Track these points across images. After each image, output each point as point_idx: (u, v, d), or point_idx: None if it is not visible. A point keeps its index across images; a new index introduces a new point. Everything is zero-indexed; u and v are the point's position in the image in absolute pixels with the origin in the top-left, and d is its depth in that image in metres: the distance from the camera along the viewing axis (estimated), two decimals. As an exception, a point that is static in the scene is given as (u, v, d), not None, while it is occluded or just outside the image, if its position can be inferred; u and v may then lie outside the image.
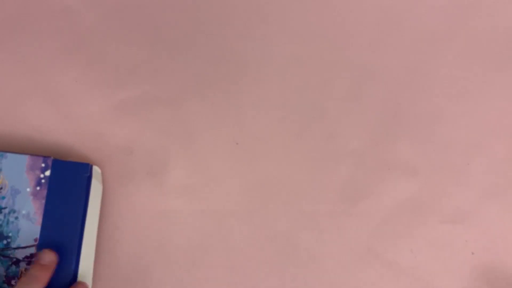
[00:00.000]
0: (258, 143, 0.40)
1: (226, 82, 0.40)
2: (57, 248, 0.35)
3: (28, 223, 0.35)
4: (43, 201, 0.35)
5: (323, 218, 0.39)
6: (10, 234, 0.35)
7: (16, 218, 0.35)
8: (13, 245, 0.35)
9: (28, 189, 0.35)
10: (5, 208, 0.35)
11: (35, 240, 0.35)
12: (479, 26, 0.41)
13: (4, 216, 0.35)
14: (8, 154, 0.36)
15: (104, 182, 0.39)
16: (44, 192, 0.35)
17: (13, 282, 0.35)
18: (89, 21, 0.41)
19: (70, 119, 0.39)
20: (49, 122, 0.39)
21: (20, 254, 0.35)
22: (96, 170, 0.37)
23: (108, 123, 0.39)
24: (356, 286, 0.38)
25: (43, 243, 0.35)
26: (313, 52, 0.41)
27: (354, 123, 0.40)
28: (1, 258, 0.35)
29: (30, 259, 0.35)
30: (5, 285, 0.35)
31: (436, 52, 0.41)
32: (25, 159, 0.36)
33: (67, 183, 0.36)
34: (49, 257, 0.33)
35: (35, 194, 0.35)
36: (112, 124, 0.39)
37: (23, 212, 0.35)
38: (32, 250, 0.35)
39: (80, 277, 0.36)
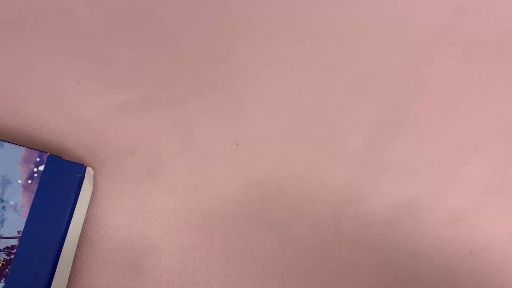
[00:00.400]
0: (258, 143, 0.41)
1: (226, 82, 0.41)
2: (38, 244, 0.35)
3: (14, 215, 0.35)
4: (33, 195, 0.35)
5: (323, 218, 0.39)
6: None
7: (3, 207, 0.35)
8: None
9: (19, 181, 0.35)
10: None
11: (19, 232, 0.35)
12: (478, 28, 0.41)
13: None
14: (5, 143, 0.36)
15: (105, 182, 0.39)
16: (35, 186, 0.35)
17: None
18: (91, 23, 0.41)
19: (71, 119, 0.40)
20: (51, 123, 0.40)
21: (1, 244, 0.35)
22: (89, 171, 0.38)
23: (109, 123, 0.40)
24: (356, 286, 0.38)
25: (26, 237, 0.35)
26: (313, 53, 0.41)
27: (354, 123, 0.40)
28: None
29: (10, 251, 0.35)
30: None
31: (435, 54, 0.41)
32: (21, 151, 0.36)
33: (59, 181, 0.36)
34: None
35: (25, 187, 0.35)
36: (114, 125, 0.40)
37: (11, 203, 0.35)
38: (14, 241, 0.35)
39: (57, 276, 0.35)
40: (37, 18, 0.41)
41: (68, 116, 0.40)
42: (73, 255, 0.37)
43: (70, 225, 0.36)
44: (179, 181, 0.39)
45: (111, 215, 0.39)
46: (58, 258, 0.35)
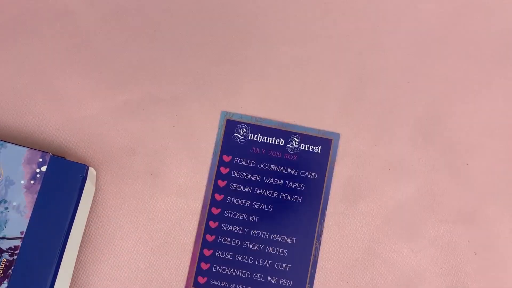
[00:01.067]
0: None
1: (227, 82, 0.41)
2: (41, 244, 0.35)
3: (17, 215, 0.35)
4: (35, 196, 0.35)
5: (324, 218, 0.39)
6: None
7: (6, 208, 0.35)
8: None
9: (22, 182, 0.35)
10: None
11: (21, 233, 0.35)
12: (478, 27, 0.42)
13: None
14: (8, 144, 0.36)
15: (107, 182, 0.39)
16: (38, 187, 0.35)
17: None
18: (91, 24, 0.42)
19: (73, 120, 0.40)
20: (52, 123, 0.40)
21: (4, 245, 0.35)
22: (91, 171, 0.38)
23: (110, 124, 0.40)
24: (357, 285, 0.38)
25: (29, 237, 0.35)
26: (313, 53, 0.41)
27: (354, 123, 0.40)
28: None
29: (13, 251, 0.35)
30: None
31: (435, 53, 0.41)
32: (23, 151, 0.36)
33: (62, 181, 0.36)
34: None
35: (28, 188, 0.35)
36: (115, 125, 0.40)
37: (14, 203, 0.35)
38: (17, 242, 0.35)
39: (60, 276, 0.35)
40: (37, 18, 0.42)
41: (69, 116, 0.40)
42: (76, 254, 0.37)
43: (73, 225, 0.36)
44: (182, 180, 0.39)
45: (113, 215, 0.39)
46: (61, 258, 0.35)
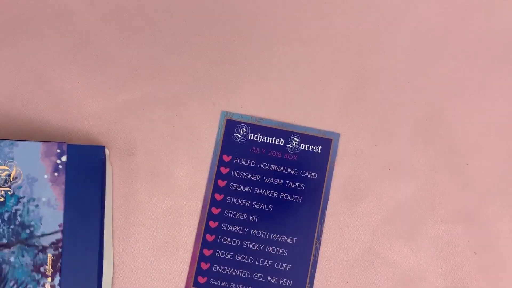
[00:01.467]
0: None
1: (227, 82, 0.44)
2: (81, 231, 0.38)
3: (50, 210, 0.38)
4: (63, 187, 0.38)
5: (324, 218, 0.42)
6: (32, 223, 0.38)
7: (37, 206, 0.38)
8: (37, 233, 0.38)
9: (45, 176, 0.38)
10: (23, 197, 0.38)
11: (60, 225, 0.38)
12: (478, 27, 0.44)
13: (24, 206, 0.38)
14: (20, 142, 0.38)
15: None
16: (63, 178, 0.38)
17: (42, 269, 0.38)
18: (91, 24, 0.45)
19: (73, 120, 0.43)
20: (52, 124, 0.43)
21: (46, 241, 0.38)
22: (106, 152, 0.41)
23: (110, 124, 0.43)
24: (357, 285, 0.41)
25: (67, 228, 0.38)
26: (313, 53, 0.44)
27: (354, 123, 0.43)
28: (26, 247, 0.38)
29: (56, 245, 0.38)
30: (34, 273, 0.38)
31: (435, 53, 0.44)
32: (38, 146, 0.38)
33: (84, 167, 0.39)
34: None
35: (53, 181, 0.38)
36: (115, 125, 0.43)
37: (43, 199, 0.38)
38: (58, 235, 0.38)
39: (105, 255, 0.39)
40: (37, 18, 0.45)
41: (69, 116, 0.43)
42: (111, 234, 0.41)
43: (105, 205, 0.39)
44: (182, 180, 0.43)
45: (114, 214, 0.42)
46: (103, 240, 0.39)
